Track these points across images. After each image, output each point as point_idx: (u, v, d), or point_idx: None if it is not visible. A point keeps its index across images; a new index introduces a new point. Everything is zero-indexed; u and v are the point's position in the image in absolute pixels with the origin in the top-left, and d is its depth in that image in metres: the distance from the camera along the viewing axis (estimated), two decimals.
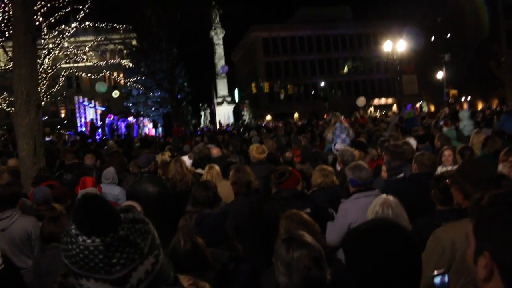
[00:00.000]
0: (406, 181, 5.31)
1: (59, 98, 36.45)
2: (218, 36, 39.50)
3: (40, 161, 8.01)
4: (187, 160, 7.67)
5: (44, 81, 24.59)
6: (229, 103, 41.93)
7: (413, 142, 8.29)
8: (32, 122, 7.87)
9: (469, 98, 51.61)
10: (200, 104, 46.91)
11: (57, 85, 28.11)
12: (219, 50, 39.05)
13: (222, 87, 41.65)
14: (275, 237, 3.65)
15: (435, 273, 1.74)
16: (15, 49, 7.92)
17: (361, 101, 34.18)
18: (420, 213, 3.96)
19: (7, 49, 23.06)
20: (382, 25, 64.52)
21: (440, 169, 6.06)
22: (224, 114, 40.23)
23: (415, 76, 48.10)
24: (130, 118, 29.79)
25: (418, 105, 49.10)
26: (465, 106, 44.59)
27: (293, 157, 7.49)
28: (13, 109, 26.52)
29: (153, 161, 6.99)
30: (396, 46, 33.51)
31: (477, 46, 49.00)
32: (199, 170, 7.60)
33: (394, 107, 59.02)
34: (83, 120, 28.90)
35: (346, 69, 50.78)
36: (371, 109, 65.33)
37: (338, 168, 7.05)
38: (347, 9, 73.14)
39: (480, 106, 41.37)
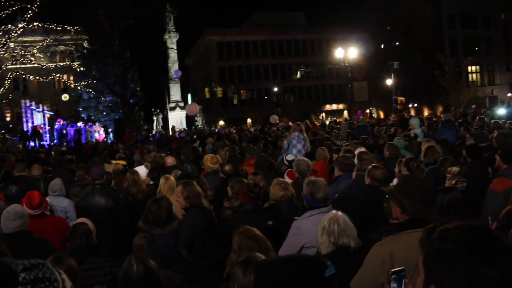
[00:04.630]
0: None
1: (4, 101, 35.08)
2: (171, 40, 39.07)
3: None
4: (144, 170, 7.54)
5: None
6: (182, 108, 41.57)
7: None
8: None
9: (415, 105, 53.52)
10: (153, 109, 46.25)
11: (2, 88, 27.08)
12: (173, 54, 38.60)
13: (175, 92, 41.28)
14: None
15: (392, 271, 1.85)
16: None
17: (274, 119, 34.72)
18: (373, 225, 4.06)
19: None
20: (334, 32, 65.80)
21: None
22: (177, 119, 39.83)
23: (366, 83, 49.49)
24: (80, 123, 28.94)
25: (368, 111, 50.57)
26: (412, 112, 46.24)
27: (232, 170, 7.42)
28: None
29: (105, 172, 6.84)
30: (347, 53, 34.35)
31: (423, 55, 50.90)
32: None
33: (345, 113, 60.39)
34: (29, 124, 27.87)
35: (298, 74, 51.41)
36: (323, 114, 66.54)
37: (288, 179, 7.06)
38: (301, 14, 74.26)
39: (426, 113, 42.94)
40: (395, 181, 6.44)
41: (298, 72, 49.72)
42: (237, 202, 5.32)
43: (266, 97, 62.23)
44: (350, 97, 38.57)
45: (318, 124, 23.94)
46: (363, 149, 8.07)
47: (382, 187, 3.76)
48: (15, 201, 5.95)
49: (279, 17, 69.66)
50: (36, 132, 25.44)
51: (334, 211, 3.74)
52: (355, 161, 7.32)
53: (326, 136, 14.02)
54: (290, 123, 28.14)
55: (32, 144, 24.19)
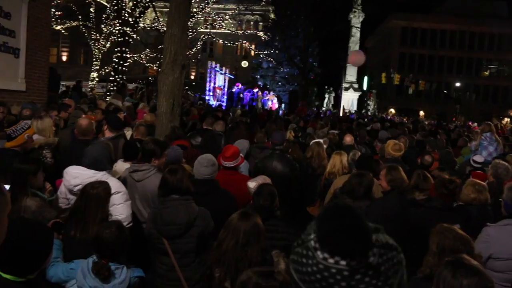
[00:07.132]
0: None
1: (193, 60, 38.36)
2: (357, 20, 38.24)
3: (176, 120, 8.30)
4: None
5: None
6: (355, 90, 40.75)
7: None
8: (175, 81, 8.14)
9: None
10: (326, 87, 46.27)
11: (194, 48, 29.46)
12: (356, 34, 37.91)
13: (351, 73, 40.52)
14: (418, 247, 3.30)
15: None
16: (171, 9, 8.18)
17: None
18: None
19: (156, 9, 24.57)
20: None
21: None
22: (349, 100, 39.18)
23: None
24: (255, 90, 30.26)
25: None
26: None
27: (432, 162, 6.91)
28: (151, 65, 28.17)
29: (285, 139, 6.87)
30: None
31: None
32: None
33: None
34: (212, 84, 29.88)
35: (488, 72, 46.70)
36: (507, 119, 59.87)
37: None
38: (502, 5, 66.65)
39: None
40: None
41: (488, 69, 45.13)
42: (422, 195, 4.89)
43: (445, 92, 58.12)
44: None
45: (505, 128, 21.38)
46: None
47: None
48: (199, 150, 6.29)
49: (476, 5, 63.65)
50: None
51: None
52: None
53: None
54: (470, 123, 25.73)
55: (212, 103, 26.04)
